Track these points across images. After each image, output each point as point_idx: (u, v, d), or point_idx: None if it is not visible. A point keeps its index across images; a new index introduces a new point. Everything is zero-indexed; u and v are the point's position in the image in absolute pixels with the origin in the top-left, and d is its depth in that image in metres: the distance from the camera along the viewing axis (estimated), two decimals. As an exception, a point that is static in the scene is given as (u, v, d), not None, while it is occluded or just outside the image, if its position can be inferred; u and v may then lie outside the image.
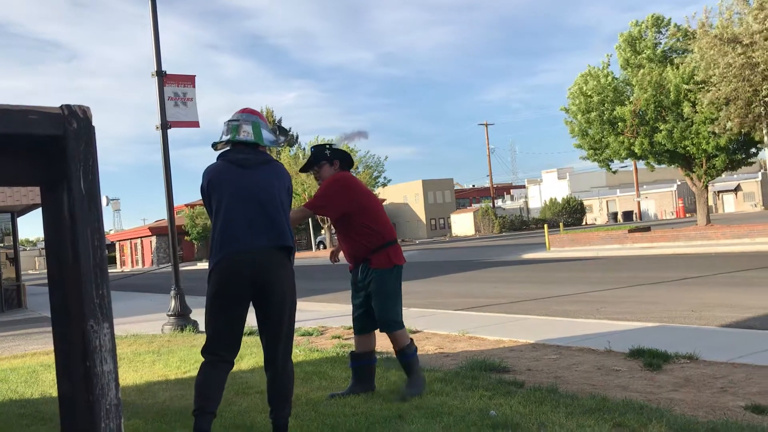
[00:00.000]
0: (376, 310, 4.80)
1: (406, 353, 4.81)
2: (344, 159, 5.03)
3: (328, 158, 4.96)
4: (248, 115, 3.96)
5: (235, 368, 6.17)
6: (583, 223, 62.97)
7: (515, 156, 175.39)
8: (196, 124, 10.18)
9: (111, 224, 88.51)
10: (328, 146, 5.02)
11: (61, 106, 1.05)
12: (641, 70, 23.31)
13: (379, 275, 4.80)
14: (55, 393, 5.81)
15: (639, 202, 65.51)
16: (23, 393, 5.80)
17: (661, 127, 22.97)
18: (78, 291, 1.02)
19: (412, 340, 4.91)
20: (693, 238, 21.34)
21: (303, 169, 5.18)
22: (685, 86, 21.46)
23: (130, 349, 8.06)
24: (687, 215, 58.99)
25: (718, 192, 65.73)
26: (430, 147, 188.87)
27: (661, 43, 24.48)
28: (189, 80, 10.14)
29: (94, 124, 1.11)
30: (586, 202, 67.49)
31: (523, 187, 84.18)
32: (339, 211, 4.82)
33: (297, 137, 68.29)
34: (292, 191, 4.04)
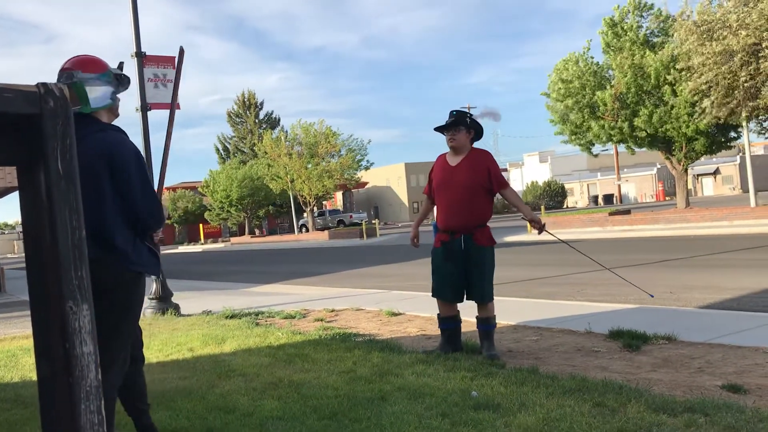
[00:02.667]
0: (479, 282, 5.18)
1: (492, 323, 5.31)
2: (478, 131, 5.31)
3: (467, 125, 5.22)
4: (69, 73, 3.03)
5: (217, 350, 6.19)
6: (564, 206, 63.42)
7: (497, 139, 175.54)
8: (177, 106, 10.05)
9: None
10: (469, 114, 5.29)
11: (37, 84, 1.03)
12: (621, 54, 23.41)
13: (485, 251, 5.21)
14: (35, 377, 5.76)
15: (619, 186, 66.05)
16: (2, 377, 5.75)
17: (641, 111, 23.12)
18: (56, 272, 1.01)
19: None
20: (672, 220, 21.58)
21: (440, 128, 5.34)
22: (668, 76, 21.58)
23: (111, 332, 8.01)
24: (667, 198, 59.63)
25: (698, 175, 66.47)
26: (413, 130, 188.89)
27: (642, 27, 24.59)
28: (169, 61, 10.00)
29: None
30: (567, 186, 67.94)
31: (505, 170, 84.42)
32: None
33: (279, 120, 67.95)
34: (130, 164, 3.02)
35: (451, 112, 5.31)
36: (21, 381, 5.51)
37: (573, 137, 26.08)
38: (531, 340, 5.90)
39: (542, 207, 33.98)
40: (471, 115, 5.31)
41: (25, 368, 6.04)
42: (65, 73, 3.04)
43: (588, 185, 70.59)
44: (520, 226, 29.04)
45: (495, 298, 5.45)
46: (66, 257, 1.00)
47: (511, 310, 7.55)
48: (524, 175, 75.77)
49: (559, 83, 25.00)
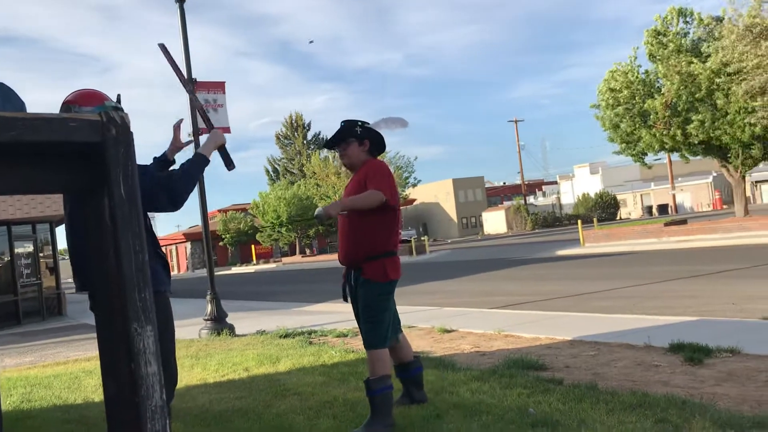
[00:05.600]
0: (362, 324, 4.27)
1: (371, 387, 4.09)
2: (375, 140, 4.41)
3: (359, 136, 4.34)
4: (68, 107, 3.09)
5: (272, 370, 6.25)
6: (618, 217, 62.14)
7: (546, 152, 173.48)
8: (227, 130, 10.28)
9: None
10: (360, 123, 4.40)
11: (100, 113, 1.07)
12: (668, 62, 22.95)
13: (370, 287, 4.18)
14: (97, 398, 5.92)
15: (674, 195, 64.38)
16: (66, 399, 5.92)
17: (694, 118, 22.56)
18: (121, 295, 1.04)
19: (388, 376, 4.15)
20: (731, 229, 20.90)
21: (328, 144, 4.50)
22: (718, 80, 21.08)
23: (169, 353, 8.16)
24: (724, 207, 57.80)
25: (756, 182, 64.27)
26: (460, 146, 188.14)
27: (689, 33, 24.08)
28: (219, 87, 10.25)
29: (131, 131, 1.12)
30: (619, 197, 66.57)
31: (555, 183, 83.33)
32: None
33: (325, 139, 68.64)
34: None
35: (341, 123, 4.44)
36: (84, 402, 5.66)
37: (624, 146, 25.60)
38: (588, 355, 5.78)
39: (595, 219, 33.36)
40: (363, 123, 4.40)
41: (88, 390, 6.20)
42: (65, 106, 3.13)
43: (641, 196, 69.01)
44: (572, 240, 28.58)
45: (548, 313, 5.29)
46: (130, 280, 1.03)
47: (566, 325, 7.41)
48: (575, 187, 74.53)
49: (608, 93, 24.63)
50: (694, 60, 22.38)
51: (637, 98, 23.98)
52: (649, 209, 65.44)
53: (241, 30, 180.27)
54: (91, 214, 1.12)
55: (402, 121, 4.72)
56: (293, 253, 53.14)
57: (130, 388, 1.01)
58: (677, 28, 23.86)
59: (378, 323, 4.16)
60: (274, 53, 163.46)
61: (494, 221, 67.76)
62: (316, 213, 4.09)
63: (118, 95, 3.35)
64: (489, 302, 10.76)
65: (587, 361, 5.51)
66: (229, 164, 3.47)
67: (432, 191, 72.57)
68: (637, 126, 24.35)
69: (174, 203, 3.16)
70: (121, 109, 3.24)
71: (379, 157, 4.54)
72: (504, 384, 4.78)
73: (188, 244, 60.49)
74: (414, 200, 67.68)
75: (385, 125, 4.61)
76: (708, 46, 22.51)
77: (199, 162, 3.27)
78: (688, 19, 24.04)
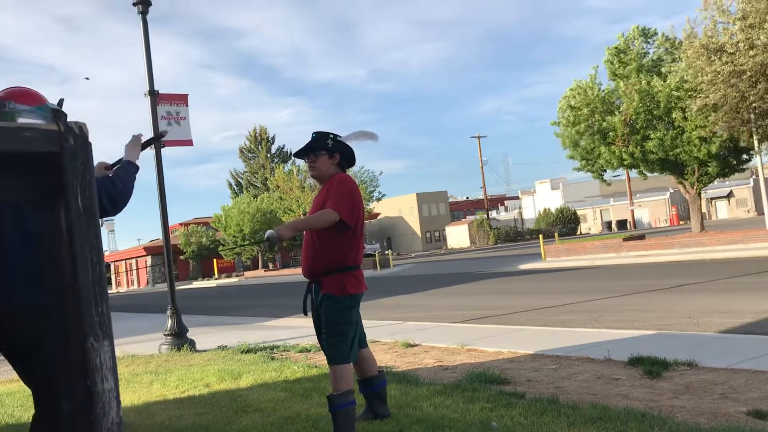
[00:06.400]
0: (323, 338, 4.22)
1: (333, 402, 4.07)
2: (346, 154, 4.42)
3: (329, 149, 4.34)
4: (1, 102, 2.88)
5: (233, 386, 6.15)
6: (578, 232, 63.12)
7: (508, 167, 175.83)
8: (189, 143, 10.17)
9: (106, 245, 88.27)
10: (332, 136, 4.40)
11: (57, 122, 1.04)
12: (629, 80, 23.51)
13: (330, 300, 4.15)
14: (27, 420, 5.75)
15: (633, 211, 65.72)
16: (20, 417, 5.74)
17: (652, 136, 23.10)
18: (77, 309, 1.01)
19: (351, 391, 4.11)
20: (688, 245, 21.39)
21: (297, 154, 4.48)
22: (675, 93, 21.67)
23: (128, 369, 7.99)
24: (681, 222, 59.19)
25: (711, 199, 66.02)
26: (424, 160, 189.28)
27: (649, 53, 24.73)
28: (182, 99, 10.14)
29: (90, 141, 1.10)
30: (580, 212, 67.67)
31: (517, 198, 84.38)
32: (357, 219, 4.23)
33: (290, 153, 68.43)
34: None
35: (313, 134, 4.44)
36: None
37: (584, 163, 26.05)
38: (550, 368, 5.83)
39: (556, 234, 33.81)
40: (335, 136, 4.41)
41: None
42: None
43: (601, 211, 70.28)
44: (533, 254, 28.90)
45: (510, 327, 5.33)
46: (86, 293, 1.00)
47: (528, 339, 7.47)
48: (536, 202, 75.58)
49: (568, 110, 25.08)
50: (655, 78, 22.97)
51: (596, 115, 24.44)
52: (608, 224, 66.65)
53: (205, 42, 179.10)
54: (47, 225, 1.09)
55: (373, 134, 4.69)
56: (256, 267, 52.65)
57: (85, 406, 0.98)
58: (639, 48, 24.48)
59: (340, 338, 4.12)
60: (239, 66, 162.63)
61: (457, 235, 68.22)
62: (267, 235, 3.94)
63: (60, 99, 3.19)
64: (452, 316, 10.80)
65: (549, 375, 5.56)
66: (156, 138, 3.59)
67: (396, 205, 72.79)
68: (596, 143, 24.81)
69: (115, 206, 3.07)
70: (64, 114, 3.07)
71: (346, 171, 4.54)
72: (467, 398, 4.79)
73: (149, 258, 59.47)
74: (378, 214, 67.77)
75: (356, 138, 4.57)
76: (669, 64, 23.15)
77: (132, 167, 3.24)
78: (649, 40, 24.71)
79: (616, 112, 24.13)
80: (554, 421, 4.00)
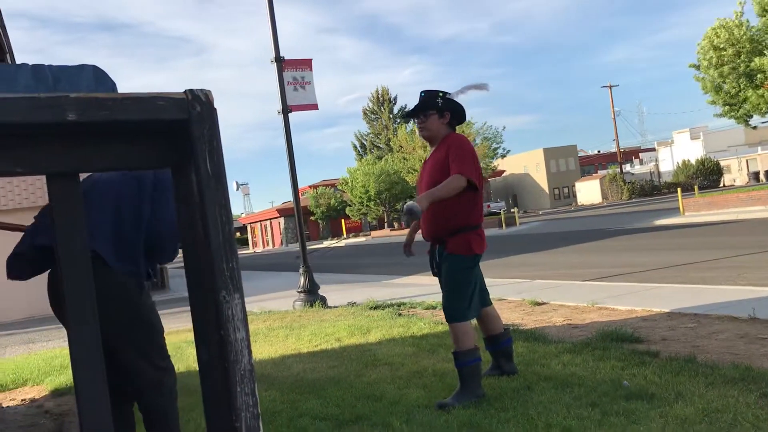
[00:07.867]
0: (443, 297, 4.26)
1: (459, 359, 4.13)
2: (456, 112, 4.31)
3: (439, 108, 4.25)
4: None
5: (363, 340, 6.37)
6: (721, 185, 59.04)
7: (643, 118, 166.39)
8: (315, 107, 10.45)
9: (242, 208, 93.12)
10: (441, 94, 4.29)
11: (185, 91, 1.11)
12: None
13: (452, 260, 4.16)
14: (197, 366, 6.21)
15: (784, 160, 60.38)
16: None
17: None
18: (209, 264, 1.08)
19: (476, 348, 4.16)
20: None
21: (408, 114, 4.44)
22: None
23: (265, 324, 8.47)
24: (841, 171, 53.74)
25: None
26: (551, 114, 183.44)
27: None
28: (306, 64, 10.40)
29: (218, 108, 1.16)
30: (723, 163, 63.16)
31: (653, 150, 79.85)
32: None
33: (413, 113, 68.52)
34: None
35: (421, 93, 4.35)
36: (186, 371, 5.96)
37: (727, 109, 24.18)
38: (687, 327, 5.56)
39: (696, 187, 31.83)
40: (444, 93, 4.28)
41: (190, 359, 6.53)
42: None
43: (747, 161, 65.14)
44: (671, 209, 27.40)
45: (645, 284, 5.11)
46: (217, 250, 1.07)
47: (664, 296, 7.15)
48: (674, 153, 71.20)
49: (710, 51, 23.26)
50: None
51: (743, 56, 22.53)
52: (755, 175, 61.67)
53: (325, 7, 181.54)
54: (179, 188, 1.17)
55: (483, 85, 4.55)
56: (381, 227, 53.64)
57: (220, 354, 1.05)
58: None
59: (460, 297, 4.15)
60: (360, 28, 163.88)
61: (588, 191, 65.84)
62: (407, 208, 3.86)
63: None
64: (582, 274, 10.51)
65: (686, 334, 5.30)
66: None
67: (522, 162, 71.23)
68: (742, 86, 22.93)
69: (170, 257, 3.10)
70: None
71: (465, 128, 4.48)
72: (597, 357, 4.68)
73: (281, 220, 62.17)
74: (503, 171, 66.64)
75: (466, 91, 4.46)
76: None
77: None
78: None
79: (766, 52, 22.11)
80: (691, 381, 3.83)
